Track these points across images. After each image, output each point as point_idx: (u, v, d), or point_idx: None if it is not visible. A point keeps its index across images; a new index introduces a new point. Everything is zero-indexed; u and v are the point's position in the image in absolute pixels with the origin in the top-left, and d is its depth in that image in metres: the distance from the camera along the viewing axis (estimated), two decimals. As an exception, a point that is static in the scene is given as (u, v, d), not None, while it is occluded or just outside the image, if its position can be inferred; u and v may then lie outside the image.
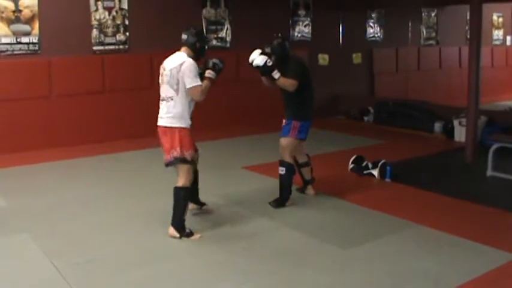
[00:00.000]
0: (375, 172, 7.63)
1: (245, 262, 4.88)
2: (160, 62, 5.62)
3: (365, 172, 7.75)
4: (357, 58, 14.12)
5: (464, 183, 7.57)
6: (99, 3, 9.95)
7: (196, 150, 5.66)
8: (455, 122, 10.36)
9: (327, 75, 13.13)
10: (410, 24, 15.53)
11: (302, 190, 6.81)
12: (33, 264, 4.87)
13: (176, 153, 5.33)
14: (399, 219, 5.93)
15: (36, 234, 5.48)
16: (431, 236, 5.47)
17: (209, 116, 11.02)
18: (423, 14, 15.86)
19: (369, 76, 14.60)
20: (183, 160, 5.35)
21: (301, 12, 12.95)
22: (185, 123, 5.36)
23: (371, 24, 14.58)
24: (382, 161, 7.67)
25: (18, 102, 9.18)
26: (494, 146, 7.75)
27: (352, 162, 7.97)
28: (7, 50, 9.11)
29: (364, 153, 8.23)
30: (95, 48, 9.98)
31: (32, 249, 5.17)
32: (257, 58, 5.96)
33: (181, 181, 5.41)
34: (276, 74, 5.99)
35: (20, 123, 9.24)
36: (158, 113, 5.47)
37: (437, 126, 10.88)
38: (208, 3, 11.38)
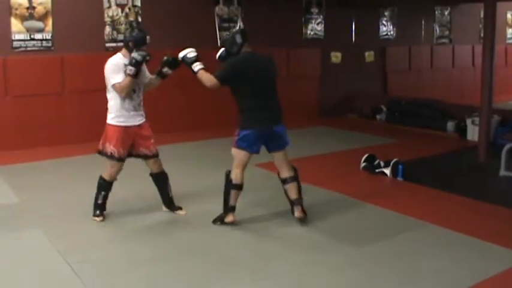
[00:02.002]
0: (387, 171, 7.60)
1: (256, 260, 4.88)
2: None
3: (377, 171, 7.72)
4: (369, 56, 14.08)
5: (477, 183, 7.53)
6: (112, 0, 9.98)
7: (151, 156, 5.89)
8: (468, 121, 10.32)
9: (340, 74, 13.14)
10: (423, 22, 15.44)
11: (292, 212, 5.82)
12: (46, 260, 4.89)
13: (99, 146, 5.76)
14: (411, 218, 5.90)
15: (48, 230, 5.51)
16: (443, 235, 5.45)
17: (221, 113, 11.02)
18: (436, 12, 15.76)
19: (381, 74, 14.55)
20: (101, 153, 5.76)
21: (314, 10, 12.91)
22: (113, 120, 5.71)
23: (384, 22, 14.51)
24: (394, 160, 7.64)
25: (31, 99, 9.24)
26: (507, 146, 7.70)
27: (364, 161, 7.94)
28: (20, 47, 9.16)
29: (376, 151, 8.21)
30: (107, 45, 10.00)
31: (44, 245, 5.20)
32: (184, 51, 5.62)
33: (104, 172, 5.84)
34: (196, 67, 5.48)
35: (32, 119, 9.30)
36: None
37: (450, 125, 10.82)
38: (221, 1, 11.38)
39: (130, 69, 5.52)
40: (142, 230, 5.63)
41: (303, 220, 5.68)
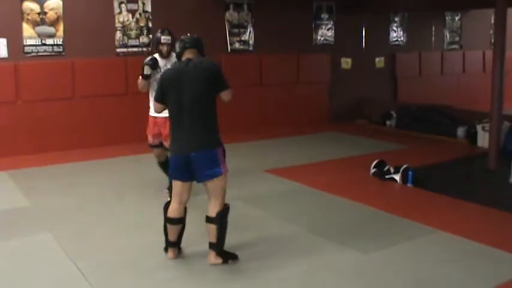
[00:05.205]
0: (397, 177, 7.58)
1: (263, 266, 4.86)
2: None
3: (387, 177, 7.70)
4: (379, 62, 14.06)
5: (487, 189, 7.49)
6: (123, 6, 10.03)
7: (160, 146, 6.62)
8: (479, 127, 10.28)
9: (350, 79, 13.12)
10: (433, 28, 15.42)
11: None
12: (55, 264, 4.91)
13: None
14: (421, 225, 5.88)
15: (59, 234, 5.53)
16: (453, 242, 5.42)
17: (233, 119, 11.05)
18: (447, 18, 15.74)
19: (391, 80, 14.53)
20: None
21: (324, 15, 12.92)
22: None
23: (394, 28, 14.50)
24: (404, 166, 7.62)
25: (42, 103, 9.29)
26: (518, 152, 7.68)
27: (374, 167, 7.92)
28: (32, 52, 9.22)
29: (386, 157, 8.19)
30: (118, 50, 10.05)
31: (54, 249, 5.22)
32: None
33: None
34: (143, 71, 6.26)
35: (44, 124, 9.35)
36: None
37: (460, 131, 10.79)
38: (231, 7, 11.41)
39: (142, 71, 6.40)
40: (153, 235, 5.62)
41: (220, 264, 4.82)
